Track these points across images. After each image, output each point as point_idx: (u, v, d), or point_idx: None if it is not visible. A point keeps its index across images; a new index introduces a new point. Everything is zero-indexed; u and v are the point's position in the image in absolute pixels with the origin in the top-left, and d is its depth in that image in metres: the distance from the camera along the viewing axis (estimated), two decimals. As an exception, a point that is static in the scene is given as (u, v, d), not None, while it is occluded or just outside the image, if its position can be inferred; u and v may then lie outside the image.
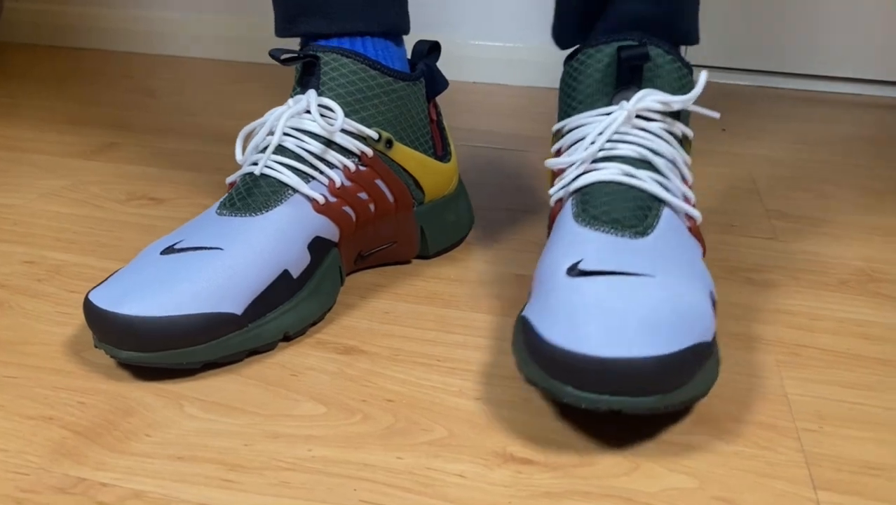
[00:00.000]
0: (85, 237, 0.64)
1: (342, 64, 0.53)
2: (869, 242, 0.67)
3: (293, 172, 0.51)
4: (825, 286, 0.59)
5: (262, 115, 1.01)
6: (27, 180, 0.77)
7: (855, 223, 0.71)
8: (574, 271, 0.42)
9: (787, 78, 1.27)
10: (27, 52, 1.41)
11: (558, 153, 0.52)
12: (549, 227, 0.51)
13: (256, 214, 0.49)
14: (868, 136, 1.01)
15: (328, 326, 0.52)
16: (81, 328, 0.50)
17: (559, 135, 0.53)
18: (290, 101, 0.53)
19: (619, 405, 0.38)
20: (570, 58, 0.53)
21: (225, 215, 0.50)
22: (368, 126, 0.54)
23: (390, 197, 0.56)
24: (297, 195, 0.51)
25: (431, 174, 0.59)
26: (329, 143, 0.53)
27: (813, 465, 0.40)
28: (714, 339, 0.43)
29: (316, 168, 0.52)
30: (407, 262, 0.61)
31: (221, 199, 0.51)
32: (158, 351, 0.44)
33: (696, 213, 0.48)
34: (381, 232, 0.58)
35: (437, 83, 0.59)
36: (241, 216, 0.49)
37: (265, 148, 0.53)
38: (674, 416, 0.43)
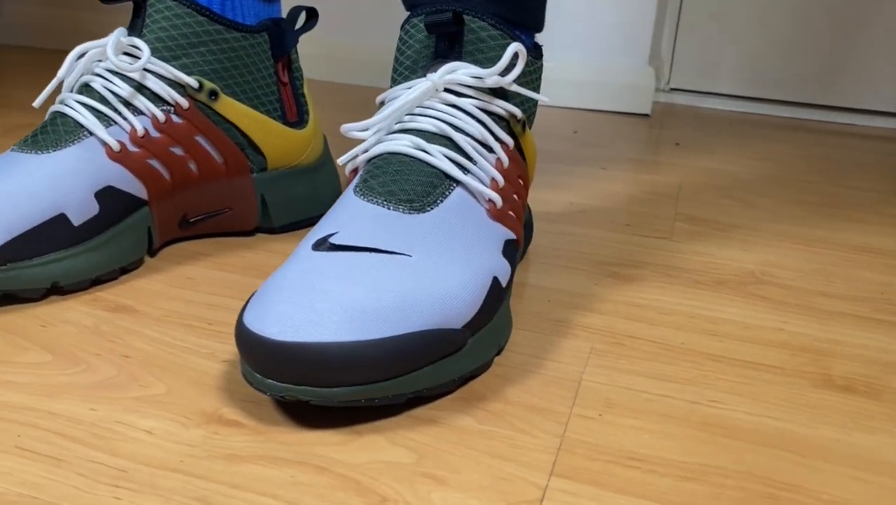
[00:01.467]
0: None
1: (167, 6, 0.50)
2: (774, 248, 0.60)
3: (92, 113, 0.48)
4: (698, 284, 0.53)
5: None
6: None
7: (770, 230, 0.65)
8: (323, 245, 0.38)
9: (776, 105, 1.21)
10: (21, 53, 1.44)
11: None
12: None
13: (41, 153, 0.46)
14: (824, 155, 0.94)
15: (116, 285, 0.48)
16: None
17: (381, 107, 0.49)
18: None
19: (305, 395, 0.33)
20: (402, 26, 0.49)
21: (15, 151, 0.47)
22: (189, 73, 0.50)
23: (217, 157, 0.52)
24: (91, 138, 0.47)
25: (274, 138, 0.55)
26: (140, 89, 0.49)
27: (565, 451, 0.34)
28: (469, 328, 0.38)
29: (118, 112, 0.48)
30: (249, 233, 0.57)
31: (24, 138, 0.48)
32: None
33: (495, 195, 0.43)
34: (211, 196, 0.53)
35: (286, 42, 0.56)
36: (27, 153, 0.46)
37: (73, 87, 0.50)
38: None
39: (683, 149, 0.95)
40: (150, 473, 0.31)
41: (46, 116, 0.49)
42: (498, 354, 0.41)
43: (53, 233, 0.45)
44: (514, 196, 0.45)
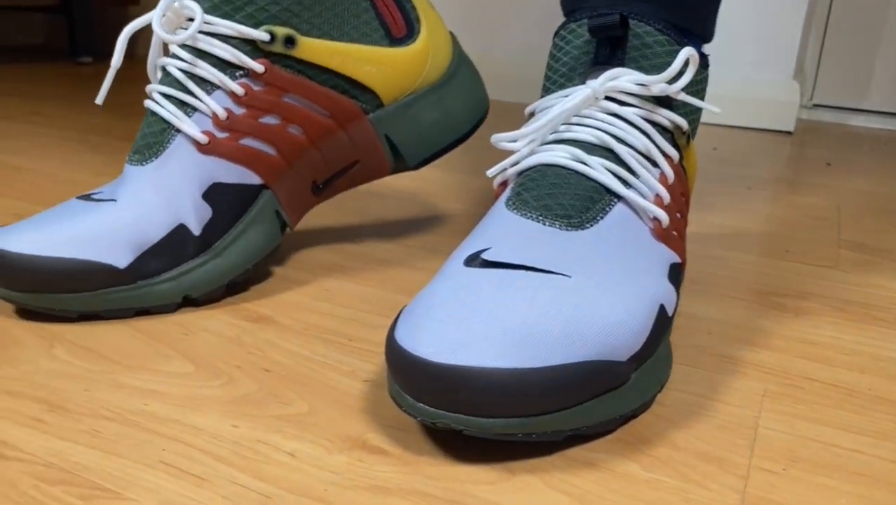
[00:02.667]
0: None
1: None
2: (960, 284, 0.54)
3: (174, 104, 0.44)
4: (878, 321, 0.47)
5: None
6: (67, 154, 0.79)
7: (951, 263, 0.58)
8: (476, 261, 0.35)
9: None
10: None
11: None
12: None
13: (146, 164, 0.44)
14: None
15: (254, 294, 0.47)
16: None
17: (531, 117, 0.46)
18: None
19: (459, 424, 0.30)
20: (556, 32, 0.46)
21: (130, 164, 0.45)
22: (256, 25, 0.44)
23: (319, 111, 0.46)
24: (180, 136, 0.44)
25: (379, 67, 0.47)
26: (205, 58, 0.44)
27: (748, 510, 0.30)
28: (635, 361, 0.34)
29: (196, 95, 0.44)
30: (381, 177, 0.52)
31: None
32: (30, 292, 0.41)
33: (662, 214, 0.39)
34: (331, 155, 0.48)
35: None
36: (136, 165, 0.44)
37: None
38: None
39: (835, 169, 0.87)
40: (294, 501, 0.29)
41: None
42: (659, 391, 0.37)
43: (176, 245, 0.43)
44: (678, 215, 0.41)
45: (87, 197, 0.44)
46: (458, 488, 0.30)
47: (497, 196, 0.43)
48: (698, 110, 0.44)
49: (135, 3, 1.54)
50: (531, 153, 0.41)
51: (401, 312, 0.35)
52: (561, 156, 0.39)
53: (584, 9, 0.44)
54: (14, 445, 0.32)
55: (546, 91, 0.45)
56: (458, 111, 0.50)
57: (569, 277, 0.34)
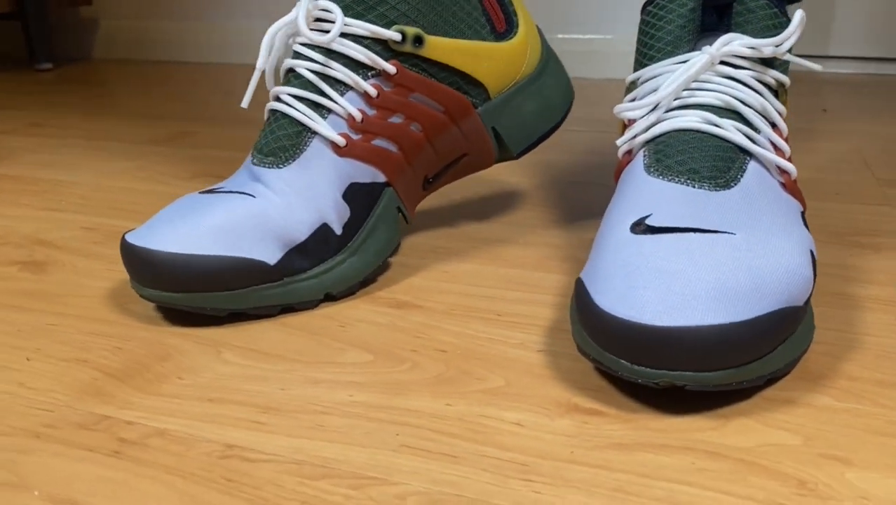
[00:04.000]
0: (146, 207, 0.63)
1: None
2: None
3: (308, 107, 0.44)
4: (951, 250, 0.51)
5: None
6: (96, 163, 0.77)
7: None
8: (640, 227, 0.37)
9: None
10: (121, 66, 1.46)
11: (633, 100, 0.47)
12: (616, 182, 0.46)
13: (283, 167, 0.44)
14: None
15: (382, 284, 0.48)
16: (127, 284, 0.49)
17: (633, 87, 0.48)
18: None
19: (682, 381, 0.32)
20: (648, 3, 0.48)
21: (258, 166, 0.44)
22: (388, 25, 0.45)
23: (437, 108, 0.47)
24: (317, 139, 0.44)
25: (489, 62, 0.48)
26: (340, 59, 0.44)
27: (946, 424, 0.33)
28: (808, 304, 0.37)
29: (331, 98, 0.44)
30: (485, 169, 0.54)
31: (256, 144, 0.46)
32: (182, 292, 0.41)
33: (790, 166, 0.42)
34: (443, 149, 0.49)
35: None
36: (271, 168, 0.44)
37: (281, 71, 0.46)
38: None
39: (834, 115, 0.92)
40: (551, 465, 0.31)
41: (266, 115, 0.46)
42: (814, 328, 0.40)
43: (320, 244, 0.44)
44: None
45: (211, 191, 0.44)
46: (686, 437, 0.33)
47: (621, 166, 0.45)
48: (788, 67, 0.47)
49: (87, 4, 1.48)
50: (659, 120, 0.43)
51: (579, 283, 0.37)
52: (694, 120, 0.41)
53: None
54: (252, 448, 0.32)
55: (650, 59, 0.46)
56: (554, 98, 0.52)
57: (734, 234, 0.37)
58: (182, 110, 1.01)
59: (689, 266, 0.34)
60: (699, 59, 0.43)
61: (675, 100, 0.43)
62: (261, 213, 0.42)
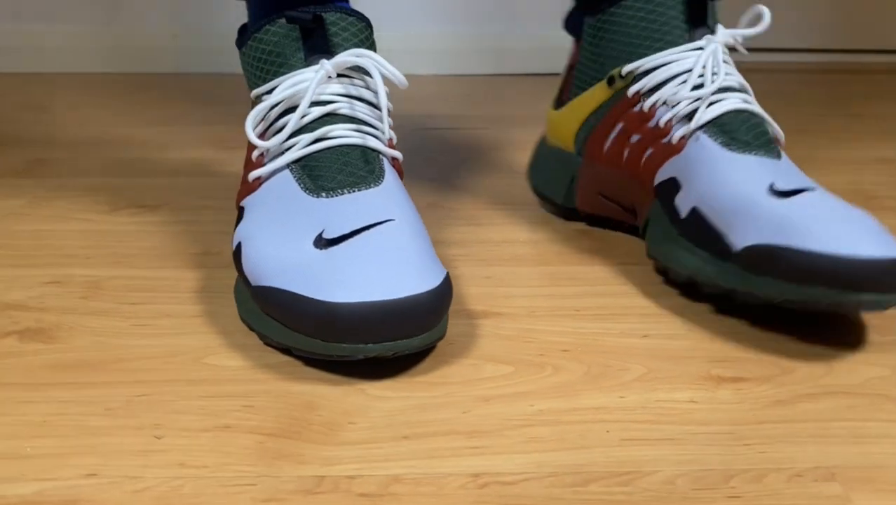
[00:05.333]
0: (97, 251, 0.55)
1: (350, 23, 0.47)
2: None
3: (366, 134, 0.46)
4: None
5: (177, 120, 0.92)
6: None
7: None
8: (775, 192, 0.44)
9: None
10: None
11: (636, 95, 0.53)
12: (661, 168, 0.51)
13: (372, 187, 0.43)
14: None
15: (443, 297, 0.49)
16: (184, 337, 0.44)
17: (630, 77, 0.53)
18: (328, 66, 0.45)
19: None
20: (610, 4, 0.53)
21: (340, 194, 0.43)
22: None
23: None
24: (382, 157, 0.46)
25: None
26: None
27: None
28: None
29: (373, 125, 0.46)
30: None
31: (296, 181, 0.44)
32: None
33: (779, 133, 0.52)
34: None
35: None
36: (365, 188, 0.43)
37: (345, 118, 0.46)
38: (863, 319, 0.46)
39: (791, 105, 1.06)
40: (750, 429, 0.36)
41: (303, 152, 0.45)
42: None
43: None
44: None
45: (326, 242, 0.41)
46: (823, 384, 0.40)
47: (680, 147, 0.50)
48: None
49: None
50: (709, 105, 0.49)
51: (772, 248, 0.41)
52: (739, 102, 0.49)
53: None
54: (498, 472, 0.33)
55: (647, 49, 0.52)
56: None
57: (814, 189, 0.45)
58: (6, 135, 0.87)
59: (844, 218, 0.42)
60: (716, 47, 0.50)
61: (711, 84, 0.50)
62: (414, 233, 0.42)
